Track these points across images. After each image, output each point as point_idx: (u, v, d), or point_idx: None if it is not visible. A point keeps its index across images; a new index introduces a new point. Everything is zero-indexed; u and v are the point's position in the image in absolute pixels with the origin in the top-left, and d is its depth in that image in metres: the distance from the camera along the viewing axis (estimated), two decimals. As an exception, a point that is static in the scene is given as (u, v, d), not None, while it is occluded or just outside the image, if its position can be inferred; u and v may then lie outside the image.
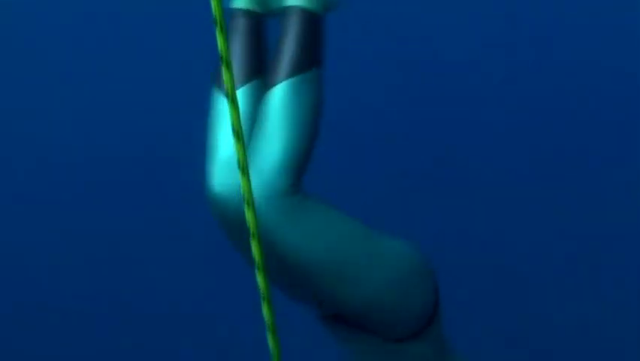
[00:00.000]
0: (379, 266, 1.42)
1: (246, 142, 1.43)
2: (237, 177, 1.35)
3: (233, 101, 0.98)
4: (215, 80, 1.51)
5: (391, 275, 1.43)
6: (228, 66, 0.97)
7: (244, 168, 1.00)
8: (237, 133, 0.98)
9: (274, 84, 1.42)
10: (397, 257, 1.45)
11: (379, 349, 1.51)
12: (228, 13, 1.54)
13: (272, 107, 1.40)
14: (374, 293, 1.42)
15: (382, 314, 1.43)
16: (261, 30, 1.55)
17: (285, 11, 1.48)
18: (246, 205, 0.94)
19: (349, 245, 1.40)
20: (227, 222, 1.40)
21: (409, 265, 1.46)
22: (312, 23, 1.46)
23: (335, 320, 1.52)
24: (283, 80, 1.41)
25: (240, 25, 1.53)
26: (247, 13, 1.52)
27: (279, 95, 1.41)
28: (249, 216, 1.03)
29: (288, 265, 1.40)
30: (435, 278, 1.47)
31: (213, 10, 1.06)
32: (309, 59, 1.44)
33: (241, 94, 1.46)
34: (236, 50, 1.51)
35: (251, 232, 1.05)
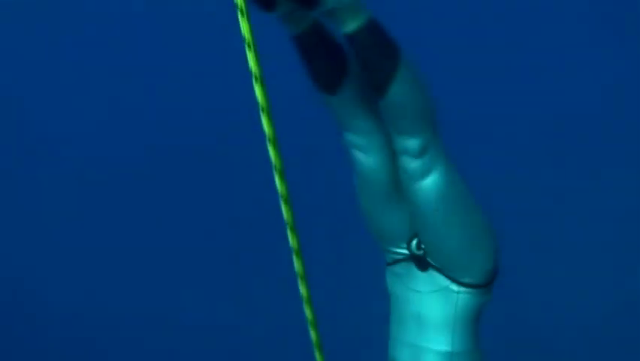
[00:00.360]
0: (475, 226, 1.82)
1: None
2: None
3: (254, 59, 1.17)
4: (314, 83, 1.74)
5: (480, 236, 1.84)
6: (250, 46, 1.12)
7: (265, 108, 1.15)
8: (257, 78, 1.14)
9: (387, 89, 1.64)
10: (486, 225, 1.84)
11: (442, 299, 1.88)
12: (291, 41, 1.70)
13: (396, 103, 1.66)
14: (464, 243, 1.81)
15: (464, 260, 1.82)
16: (323, 29, 1.71)
17: (347, 38, 1.64)
18: (269, 143, 1.09)
19: (464, 201, 1.79)
20: None
21: (491, 234, 1.86)
22: (373, 29, 1.64)
23: (419, 263, 1.87)
24: (389, 84, 1.64)
25: (307, 43, 1.70)
26: (305, 33, 1.69)
27: (396, 92, 1.65)
28: (272, 151, 1.21)
29: (419, 206, 1.78)
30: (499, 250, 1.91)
31: (242, 32, 1.24)
32: (394, 53, 1.64)
33: (346, 87, 1.72)
34: (318, 62, 1.71)
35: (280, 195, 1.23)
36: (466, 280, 1.83)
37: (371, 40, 1.62)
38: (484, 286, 1.86)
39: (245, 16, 1.23)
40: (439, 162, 1.73)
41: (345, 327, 3.13)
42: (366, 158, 1.81)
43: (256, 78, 1.19)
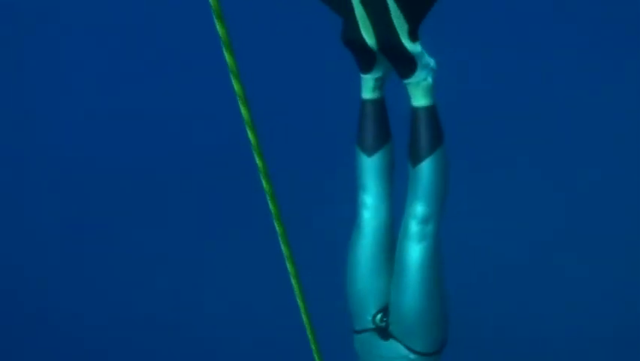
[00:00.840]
0: (438, 302, 2.24)
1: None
2: None
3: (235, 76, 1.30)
4: (358, 143, 2.27)
5: (438, 313, 2.26)
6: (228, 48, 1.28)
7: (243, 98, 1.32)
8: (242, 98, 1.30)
9: (418, 163, 2.16)
10: (445, 304, 2.28)
11: (401, 357, 2.30)
12: (361, 103, 2.25)
13: (421, 178, 2.17)
14: (425, 315, 2.23)
15: (421, 329, 2.25)
16: (384, 107, 2.27)
17: (412, 110, 2.17)
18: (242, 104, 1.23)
19: (437, 280, 2.22)
20: None
21: (447, 312, 2.29)
22: (431, 114, 2.16)
23: (381, 333, 2.30)
24: (424, 159, 2.15)
25: (370, 109, 2.26)
26: (374, 101, 2.25)
27: (427, 167, 2.16)
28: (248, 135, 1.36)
29: (405, 274, 2.22)
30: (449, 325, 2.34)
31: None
32: (437, 141, 2.16)
33: (381, 154, 2.26)
34: (371, 127, 2.26)
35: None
36: (421, 349, 2.28)
37: (427, 119, 2.16)
38: (435, 354, 2.31)
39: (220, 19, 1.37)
40: (433, 237, 2.19)
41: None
42: (372, 217, 2.28)
43: (233, 73, 1.34)
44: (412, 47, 2.10)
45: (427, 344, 2.28)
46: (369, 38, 2.10)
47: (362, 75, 2.24)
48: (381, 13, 2.04)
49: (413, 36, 2.09)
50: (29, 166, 4.34)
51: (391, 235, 2.30)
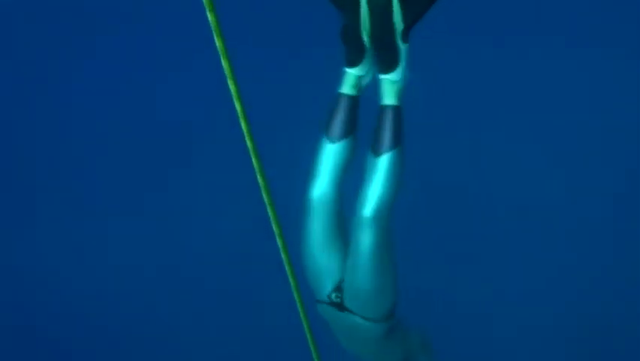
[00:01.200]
0: (389, 279, 2.49)
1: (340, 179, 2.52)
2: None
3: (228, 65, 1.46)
4: (325, 130, 2.47)
5: (389, 287, 2.50)
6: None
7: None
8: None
9: (380, 154, 2.38)
10: (395, 281, 2.51)
11: (360, 327, 2.54)
12: (337, 96, 2.45)
13: (379, 168, 2.38)
14: (376, 289, 2.47)
15: (374, 303, 2.50)
16: (357, 105, 2.47)
17: (382, 107, 2.40)
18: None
19: (388, 260, 2.45)
20: None
21: (397, 284, 2.51)
22: (397, 114, 2.39)
23: (337, 307, 2.54)
24: (382, 154, 2.37)
25: (344, 103, 2.45)
26: (350, 96, 2.46)
27: (386, 160, 2.38)
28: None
29: (361, 254, 2.42)
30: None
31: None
32: (398, 139, 2.38)
33: (344, 143, 2.46)
34: (341, 118, 2.45)
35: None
36: (374, 316, 2.53)
37: (393, 118, 2.38)
38: (387, 317, 2.55)
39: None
40: (385, 221, 2.38)
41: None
42: (320, 200, 2.45)
43: (215, 31, 1.46)
44: (402, 46, 2.35)
45: (379, 312, 2.54)
46: (365, 35, 2.33)
47: (346, 70, 2.45)
48: (384, 14, 2.26)
49: (405, 37, 2.33)
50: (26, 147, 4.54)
51: (340, 216, 2.51)
